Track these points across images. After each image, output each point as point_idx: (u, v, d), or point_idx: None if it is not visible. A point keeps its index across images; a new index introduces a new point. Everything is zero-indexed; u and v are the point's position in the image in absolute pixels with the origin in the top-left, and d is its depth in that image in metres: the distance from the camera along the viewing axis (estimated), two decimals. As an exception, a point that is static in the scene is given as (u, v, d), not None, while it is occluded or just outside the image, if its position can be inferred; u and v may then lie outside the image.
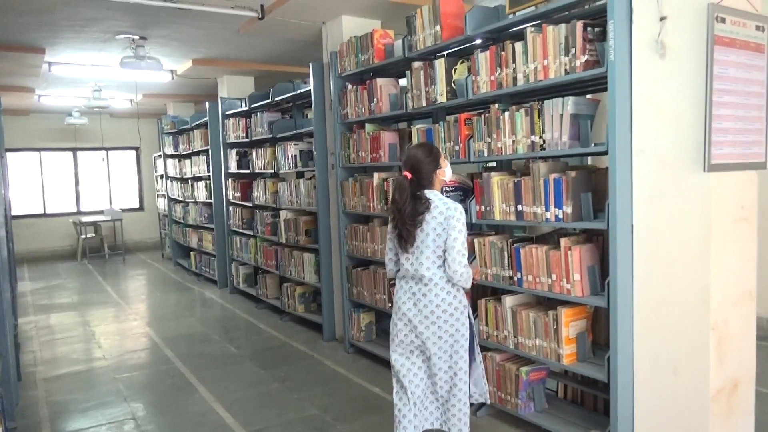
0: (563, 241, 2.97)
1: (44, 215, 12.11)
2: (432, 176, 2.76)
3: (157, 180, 11.41)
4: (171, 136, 9.69)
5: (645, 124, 2.64)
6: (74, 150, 12.21)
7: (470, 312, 2.87)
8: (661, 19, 2.51)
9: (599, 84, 3.18)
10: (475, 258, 3.46)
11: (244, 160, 7.08)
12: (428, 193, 2.74)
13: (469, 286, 2.80)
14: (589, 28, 2.82)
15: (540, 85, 3.04)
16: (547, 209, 3.03)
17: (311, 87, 5.20)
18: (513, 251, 3.26)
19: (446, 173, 2.85)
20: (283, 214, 6.00)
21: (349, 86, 4.69)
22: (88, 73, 7.33)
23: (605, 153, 2.73)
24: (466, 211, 2.91)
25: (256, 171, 6.69)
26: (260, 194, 6.58)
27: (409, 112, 4.02)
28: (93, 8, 4.71)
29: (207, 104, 7.66)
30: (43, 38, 5.60)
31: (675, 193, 2.56)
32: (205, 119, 7.87)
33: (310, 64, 5.15)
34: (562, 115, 2.93)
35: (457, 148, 3.62)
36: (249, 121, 6.72)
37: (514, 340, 3.31)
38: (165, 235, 10.96)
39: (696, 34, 2.42)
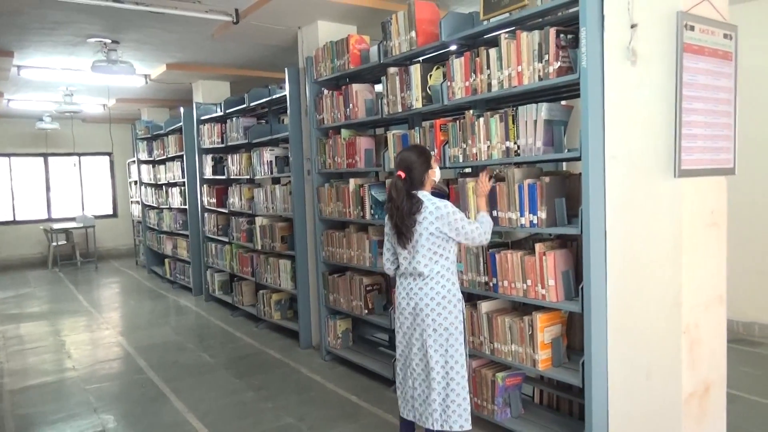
0: (538, 247, 2.98)
1: (14, 222, 11.82)
2: (423, 177, 2.89)
3: (131, 186, 11.22)
4: (145, 142, 9.55)
5: (617, 130, 2.66)
6: (45, 155, 11.95)
7: (464, 307, 2.95)
8: (632, 26, 2.54)
9: (573, 90, 3.21)
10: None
11: (219, 166, 7.00)
12: (420, 194, 2.86)
13: (490, 230, 2.93)
14: (562, 35, 2.84)
15: (514, 91, 3.05)
16: (521, 214, 3.04)
17: (287, 92, 5.17)
18: (488, 257, 3.26)
19: (437, 174, 2.99)
20: (258, 221, 5.93)
21: (325, 91, 4.66)
22: (58, 77, 7.18)
23: (579, 159, 2.75)
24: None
25: (232, 177, 6.62)
26: (236, 200, 6.51)
27: (384, 117, 4.00)
28: (62, 11, 4.61)
29: (182, 109, 7.56)
30: (12, 41, 5.47)
31: (647, 198, 2.59)
32: (179, 124, 7.77)
33: (286, 69, 5.11)
34: (536, 121, 2.94)
35: (432, 153, 3.61)
36: (224, 126, 6.65)
37: (490, 345, 3.31)
38: (139, 242, 10.78)
39: (666, 42, 2.45)
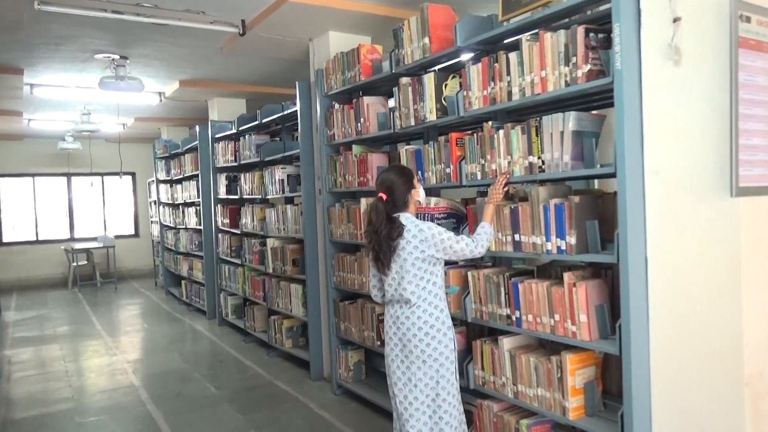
0: (567, 277, 2.59)
1: (36, 242, 11.82)
2: (406, 197, 2.75)
3: (150, 206, 11.12)
4: (163, 161, 9.42)
5: (659, 142, 2.28)
6: (68, 175, 11.96)
7: (455, 336, 2.76)
8: (675, 20, 2.17)
9: (605, 97, 2.84)
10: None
11: (233, 185, 6.76)
12: (402, 217, 2.71)
13: (488, 243, 2.77)
14: (591, 34, 2.48)
15: (538, 99, 2.69)
16: (547, 239, 2.66)
17: (297, 107, 4.90)
18: (510, 286, 2.88)
19: (420, 195, 2.85)
20: (270, 242, 5.64)
21: (336, 105, 4.37)
22: (74, 96, 7.08)
23: (613, 175, 2.37)
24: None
25: (245, 196, 6.36)
26: (248, 221, 6.25)
27: (396, 132, 3.68)
28: (64, 25, 4.44)
29: (197, 128, 7.38)
30: (20, 58, 5.35)
31: (696, 220, 2.19)
32: (195, 143, 7.59)
33: (297, 83, 4.85)
34: (562, 133, 2.58)
35: (448, 170, 3.27)
36: (237, 144, 6.42)
37: (513, 388, 2.91)
38: (158, 263, 10.62)
39: (716, 37, 2.07)
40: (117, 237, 12.17)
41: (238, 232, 6.59)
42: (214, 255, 7.36)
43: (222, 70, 6.20)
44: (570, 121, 2.54)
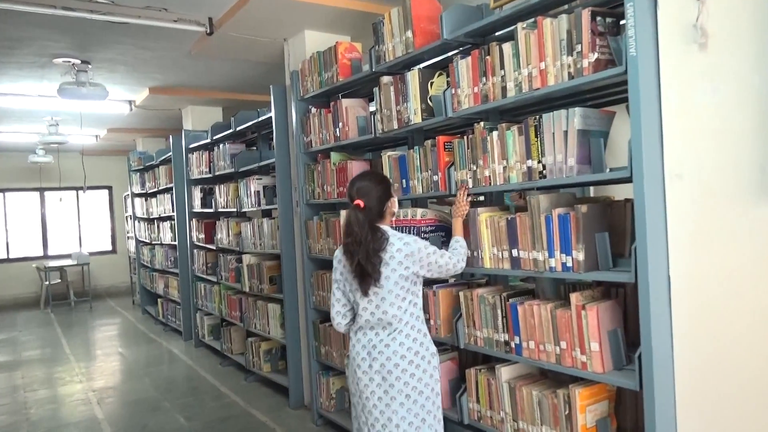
0: (575, 298, 2.24)
1: (7, 260, 11.30)
2: (383, 207, 2.46)
3: (127, 220, 10.66)
4: (138, 173, 9.00)
5: (681, 140, 1.95)
6: (40, 190, 11.46)
7: (439, 365, 2.50)
8: (700, -4, 1.85)
9: (615, 92, 2.51)
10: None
11: (208, 198, 6.37)
12: (382, 227, 2.44)
13: (465, 258, 2.60)
14: (598, 18, 2.15)
15: (537, 95, 2.36)
16: (551, 255, 2.31)
17: (272, 113, 4.53)
18: (508, 309, 2.53)
19: (395, 205, 2.56)
20: (246, 259, 5.25)
21: (313, 110, 4.02)
22: (39, 105, 6.66)
23: (628, 180, 2.04)
24: None
25: (220, 209, 5.97)
26: (223, 236, 5.85)
27: (378, 136, 3.33)
28: (14, 24, 4.05)
29: (171, 138, 6.99)
30: (-29, 64, 4.95)
31: (729, 231, 1.86)
32: (169, 154, 7.19)
33: (271, 87, 4.49)
34: (566, 132, 2.24)
35: (435, 178, 2.93)
36: (212, 154, 6.04)
37: (514, 424, 2.55)
38: (135, 281, 10.15)
39: (751, 15, 1.75)
40: (93, 253, 11.69)
41: (214, 247, 6.18)
42: (189, 272, 6.94)
43: (194, 76, 5.82)
44: (575, 118, 2.20)
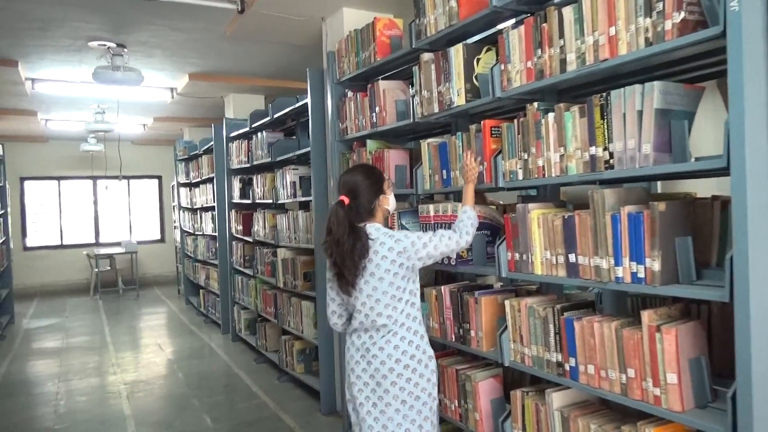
0: (647, 317, 1.82)
1: (61, 247, 11.55)
2: (373, 204, 2.31)
3: (173, 210, 10.67)
4: (183, 163, 8.93)
5: (798, 121, 1.50)
6: (93, 178, 11.64)
7: (437, 368, 2.35)
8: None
9: (704, 64, 2.04)
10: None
11: (246, 189, 6.16)
12: (369, 227, 2.27)
13: (473, 229, 2.38)
14: (686, -32, 1.72)
15: (604, 67, 1.94)
16: (617, 263, 1.90)
17: (308, 98, 4.23)
18: (563, 324, 2.13)
19: (390, 202, 2.40)
20: (280, 253, 4.99)
21: (349, 94, 3.69)
22: (84, 93, 6.62)
23: (722, 171, 1.61)
24: (492, 258, 2.48)
25: (257, 200, 5.74)
26: (260, 228, 5.62)
27: (417, 121, 2.96)
28: (44, 5, 3.90)
29: (213, 127, 6.82)
30: (8, 47, 4.86)
31: None
32: (211, 143, 7.04)
33: (307, 71, 4.19)
34: (641, 113, 1.81)
35: (480, 168, 2.54)
36: (250, 143, 5.81)
37: (566, 462, 2.15)
38: (180, 270, 10.15)
39: None
40: (142, 242, 11.84)
41: (251, 240, 5.97)
42: (228, 264, 6.77)
43: (233, 62, 5.60)
44: (653, 94, 1.77)
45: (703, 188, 2.74)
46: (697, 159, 1.77)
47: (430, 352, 2.31)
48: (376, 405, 2.23)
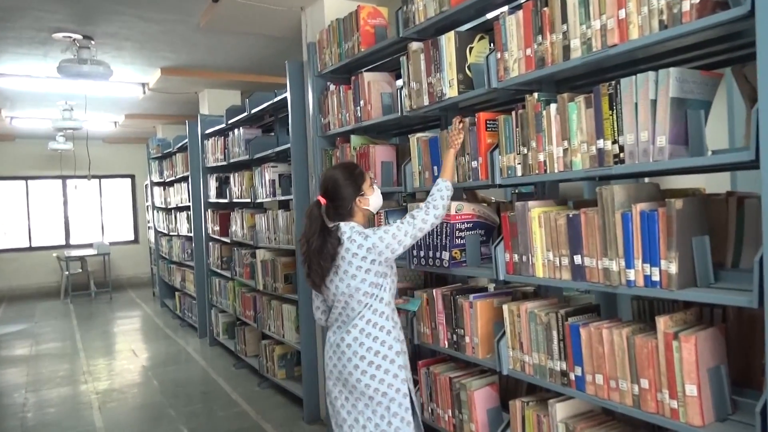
0: (662, 324, 1.69)
1: (29, 249, 11.14)
2: (351, 204, 2.28)
3: (147, 210, 10.35)
4: (157, 162, 8.64)
5: (833, 109, 1.37)
6: (63, 178, 11.24)
7: (407, 362, 2.30)
8: None
9: (721, 49, 1.91)
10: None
11: (223, 188, 5.93)
12: (344, 225, 2.24)
13: (444, 202, 2.31)
14: (705, -56, 1.58)
15: (613, 53, 1.79)
16: (629, 265, 1.75)
17: (287, 92, 4.04)
18: (567, 331, 1.98)
19: (371, 203, 2.34)
20: (260, 254, 4.79)
21: (331, 87, 3.51)
22: (51, 89, 6.31)
23: (750, 165, 1.47)
24: (487, 258, 2.45)
25: (234, 200, 5.52)
26: (238, 228, 5.40)
27: (406, 114, 2.79)
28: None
29: (187, 123, 6.57)
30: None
31: None
32: (186, 141, 6.78)
33: (286, 64, 3.99)
34: (655, 102, 1.67)
35: (475, 164, 2.39)
36: (227, 140, 5.59)
37: (572, 478, 2.01)
38: (155, 272, 9.85)
39: None
40: (116, 243, 11.51)
41: (228, 240, 5.75)
42: (204, 266, 6.53)
43: (207, 55, 5.37)
44: (668, 82, 1.63)
45: (699, 183, 2.66)
46: (714, 152, 1.64)
47: (398, 346, 2.25)
48: (348, 399, 2.25)
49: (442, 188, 2.32)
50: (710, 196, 1.91)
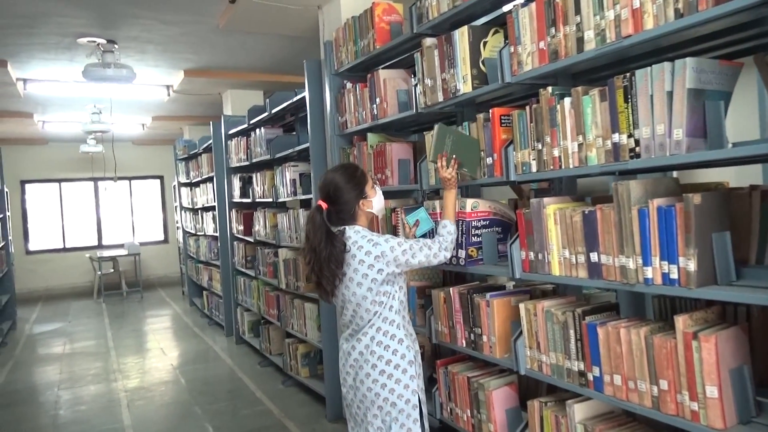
0: (681, 323, 1.63)
1: (63, 250, 11.43)
2: (354, 208, 2.21)
3: (175, 210, 10.52)
4: (183, 162, 8.77)
5: None
6: (94, 180, 11.50)
7: (421, 371, 2.26)
8: None
9: (740, 38, 1.84)
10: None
11: (246, 187, 5.98)
12: (349, 230, 2.18)
13: (452, 246, 2.29)
14: (722, -72, 1.51)
15: (628, 44, 1.74)
16: (646, 262, 1.70)
17: (306, 91, 4.05)
18: (585, 330, 1.94)
19: (375, 205, 2.27)
20: (282, 253, 4.82)
21: (348, 85, 3.50)
22: (79, 93, 6.45)
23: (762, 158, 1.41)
24: (504, 256, 2.33)
25: (257, 199, 5.56)
26: (260, 228, 5.44)
27: (421, 111, 2.77)
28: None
29: (211, 124, 6.64)
30: (-5, 46, 4.70)
31: None
32: (210, 142, 6.86)
33: (304, 63, 4.00)
34: (671, 94, 1.62)
35: (490, 160, 2.35)
36: (249, 140, 5.63)
37: (591, 480, 1.96)
38: (184, 271, 10.01)
39: None
40: (146, 243, 11.71)
41: (252, 240, 5.80)
42: (230, 265, 6.61)
43: (228, 56, 5.42)
44: (686, 72, 1.57)
45: (716, 176, 2.56)
46: (734, 144, 1.57)
47: (411, 355, 2.20)
48: (360, 407, 2.22)
49: (452, 231, 2.29)
50: (733, 190, 1.84)
